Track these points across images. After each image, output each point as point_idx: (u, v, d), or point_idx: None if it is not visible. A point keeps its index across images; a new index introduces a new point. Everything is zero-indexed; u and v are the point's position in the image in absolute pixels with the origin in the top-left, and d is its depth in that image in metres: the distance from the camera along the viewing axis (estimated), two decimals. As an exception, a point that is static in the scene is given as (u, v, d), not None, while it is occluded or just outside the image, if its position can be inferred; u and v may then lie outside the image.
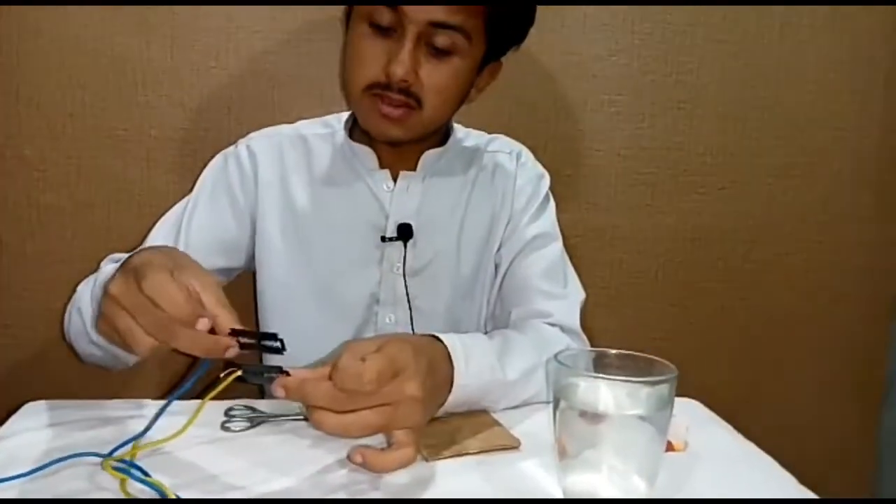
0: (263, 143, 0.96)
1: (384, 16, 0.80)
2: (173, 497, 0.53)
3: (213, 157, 1.11)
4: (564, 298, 0.93)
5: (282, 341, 0.57)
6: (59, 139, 1.12)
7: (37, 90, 1.11)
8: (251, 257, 0.95)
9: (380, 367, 0.57)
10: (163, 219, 0.95)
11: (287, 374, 0.58)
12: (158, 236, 0.92)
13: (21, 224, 1.14)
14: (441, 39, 0.80)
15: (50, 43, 1.10)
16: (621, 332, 1.28)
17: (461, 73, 0.84)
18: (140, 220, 1.15)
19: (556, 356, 0.56)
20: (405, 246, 0.91)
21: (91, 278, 0.87)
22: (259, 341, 0.58)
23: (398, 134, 0.86)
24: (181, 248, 0.89)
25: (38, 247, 1.15)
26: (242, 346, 0.57)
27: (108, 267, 0.82)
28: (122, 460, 0.59)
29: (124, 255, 0.86)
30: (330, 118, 0.99)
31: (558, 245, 0.98)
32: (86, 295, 0.82)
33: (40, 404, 0.72)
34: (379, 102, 0.83)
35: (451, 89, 0.85)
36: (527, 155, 1.03)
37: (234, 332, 0.57)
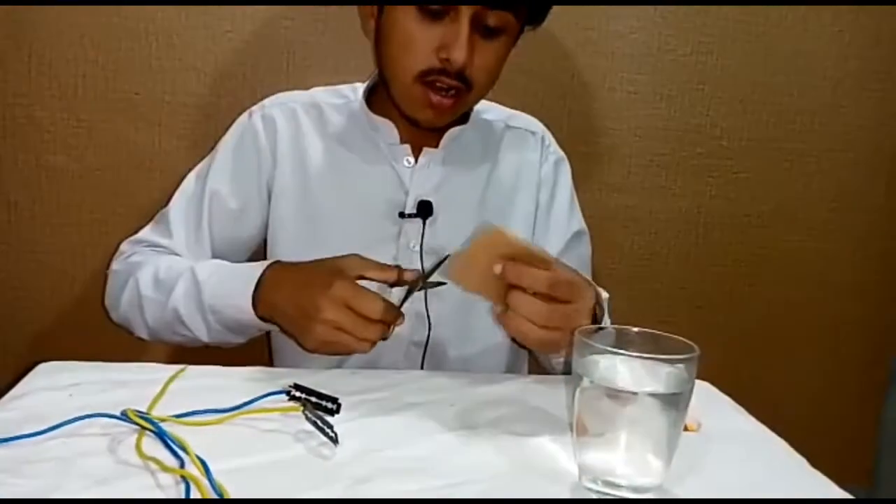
0: (278, 111, 0.94)
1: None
2: (194, 457, 0.53)
3: (225, 122, 1.09)
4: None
5: (338, 405, 0.63)
6: (70, 101, 1.11)
7: (49, 51, 1.09)
8: (264, 230, 0.95)
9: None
10: (180, 198, 0.94)
11: (338, 405, 0.63)
12: (178, 218, 0.92)
13: (30, 186, 1.13)
14: (493, 19, 0.80)
15: (63, 4, 1.08)
16: (630, 314, 1.27)
17: (507, 49, 0.84)
18: (150, 185, 1.15)
19: (578, 332, 0.56)
20: (424, 223, 0.89)
21: (165, 272, 0.86)
22: (317, 400, 0.63)
23: (447, 121, 0.87)
24: (204, 235, 0.91)
25: (47, 209, 1.14)
26: (294, 398, 0.64)
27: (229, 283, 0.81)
28: (140, 413, 0.60)
29: (147, 238, 0.93)
30: (343, 88, 0.97)
31: (588, 241, 1.02)
32: (183, 303, 0.82)
33: (54, 365, 0.71)
34: (430, 91, 0.82)
35: (499, 67, 0.85)
36: (550, 138, 1.02)
37: (297, 387, 0.64)
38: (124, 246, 0.94)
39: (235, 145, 0.94)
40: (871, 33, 1.26)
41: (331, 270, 0.74)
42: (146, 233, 0.94)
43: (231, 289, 0.79)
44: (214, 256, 0.92)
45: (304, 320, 0.72)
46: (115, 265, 0.93)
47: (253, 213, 0.93)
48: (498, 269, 0.65)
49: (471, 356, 0.93)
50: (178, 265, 0.85)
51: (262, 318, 0.77)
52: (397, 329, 0.90)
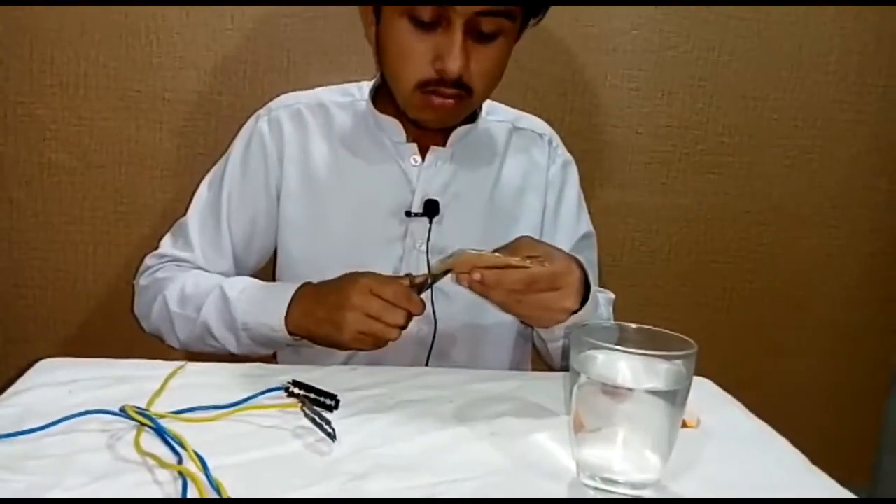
0: (284, 113, 0.94)
1: (426, 11, 0.78)
2: (192, 452, 0.53)
3: (226, 119, 1.09)
4: (605, 293, 0.97)
5: (337, 402, 0.64)
6: (71, 99, 1.11)
7: (51, 49, 1.09)
8: (275, 233, 0.95)
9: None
10: (195, 208, 0.94)
11: (336, 402, 0.64)
12: (196, 230, 0.93)
13: (31, 184, 1.13)
14: (487, 26, 0.79)
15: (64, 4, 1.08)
16: (630, 310, 1.27)
17: (506, 51, 0.84)
18: (151, 183, 1.15)
19: (576, 330, 0.56)
20: (430, 222, 0.89)
21: (193, 288, 0.87)
22: (316, 396, 0.64)
23: (452, 121, 0.87)
24: (225, 242, 0.92)
25: (48, 207, 1.14)
26: (292, 394, 0.64)
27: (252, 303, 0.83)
28: (139, 410, 0.60)
29: (169, 253, 0.93)
30: (349, 86, 0.97)
31: (595, 242, 1.02)
32: (213, 319, 0.84)
33: (54, 361, 0.72)
34: (431, 97, 0.82)
35: (498, 70, 0.85)
36: (557, 140, 1.02)
37: (296, 384, 0.64)
38: (149, 260, 0.95)
39: (244, 150, 0.94)
40: (873, 28, 1.25)
41: (354, 275, 0.77)
42: (167, 247, 0.94)
43: (263, 308, 0.81)
44: (235, 263, 0.93)
45: (334, 313, 0.75)
46: (142, 280, 0.94)
47: (264, 217, 0.93)
48: (477, 276, 0.69)
49: (476, 354, 0.93)
50: (204, 282, 0.87)
51: (292, 335, 0.80)
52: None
